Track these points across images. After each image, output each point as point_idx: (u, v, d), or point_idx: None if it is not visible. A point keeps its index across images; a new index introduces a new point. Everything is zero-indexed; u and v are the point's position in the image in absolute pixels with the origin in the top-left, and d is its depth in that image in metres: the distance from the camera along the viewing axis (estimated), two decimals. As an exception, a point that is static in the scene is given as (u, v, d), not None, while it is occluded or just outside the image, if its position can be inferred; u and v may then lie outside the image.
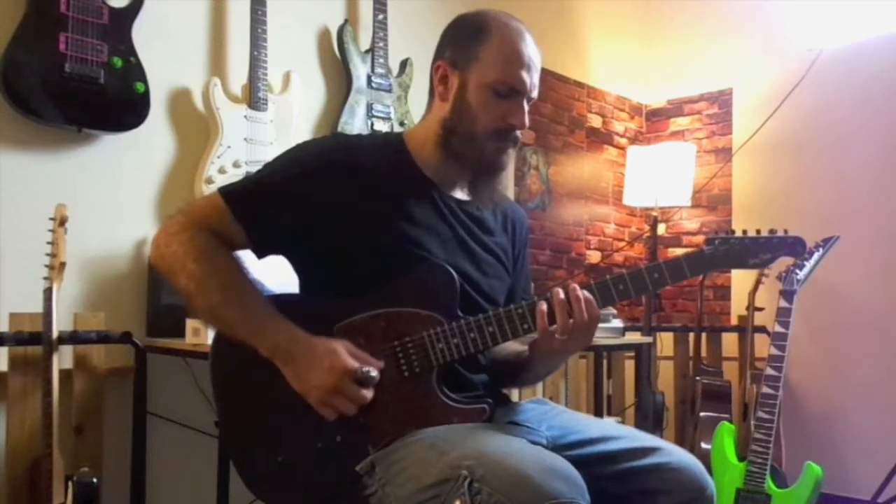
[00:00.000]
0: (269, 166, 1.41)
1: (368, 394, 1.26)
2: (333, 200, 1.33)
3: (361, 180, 1.35)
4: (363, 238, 1.33)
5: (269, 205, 1.34)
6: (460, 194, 1.45)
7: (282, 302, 1.33)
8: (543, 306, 1.27)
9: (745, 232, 1.32)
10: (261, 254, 1.38)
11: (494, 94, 1.35)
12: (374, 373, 1.26)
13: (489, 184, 1.42)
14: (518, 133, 1.38)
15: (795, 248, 1.31)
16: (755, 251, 1.30)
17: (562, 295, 1.26)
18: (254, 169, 2.36)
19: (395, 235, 1.34)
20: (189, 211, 1.37)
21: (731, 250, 1.30)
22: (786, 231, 1.32)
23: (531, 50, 1.37)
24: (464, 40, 1.39)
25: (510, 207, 1.57)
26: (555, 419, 1.43)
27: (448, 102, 1.39)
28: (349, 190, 1.34)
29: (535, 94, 1.39)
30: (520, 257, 1.55)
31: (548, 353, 1.35)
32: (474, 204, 1.46)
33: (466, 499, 1.09)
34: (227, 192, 1.36)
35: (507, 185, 1.46)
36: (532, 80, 1.37)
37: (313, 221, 1.34)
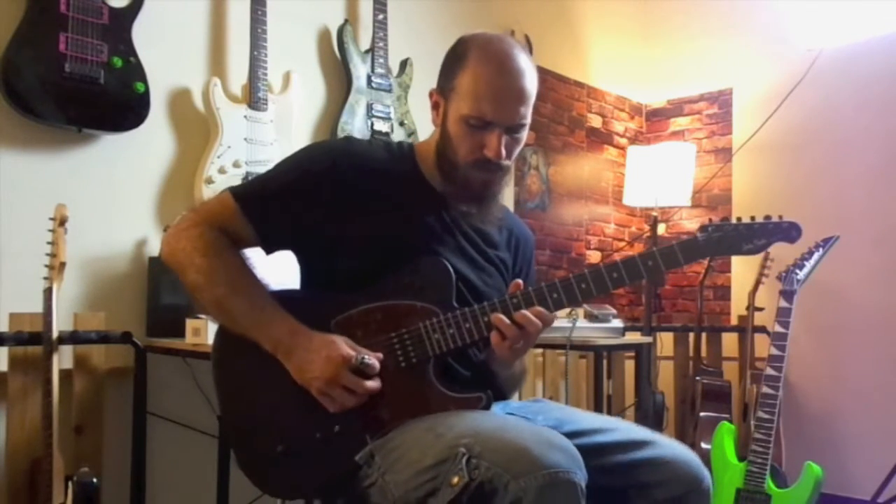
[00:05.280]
0: (279, 167, 1.44)
1: (369, 384, 1.27)
2: (341, 202, 1.36)
3: (369, 184, 1.38)
4: (367, 240, 1.36)
5: (278, 204, 1.37)
6: (465, 207, 1.46)
7: (282, 297, 1.35)
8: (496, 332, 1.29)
9: (739, 219, 1.31)
10: (269, 250, 1.41)
11: (469, 126, 1.34)
12: (372, 360, 1.28)
13: (481, 208, 1.43)
14: (503, 163, 1.36)
15: (790, 233, 1.29)
16: (749, 237, 1.29)
17: (506, 321, 1.28)
18: (254, 169, 2.37)
19: (399, 238, 1.37)
20: (200, 209, 1.42)
21: (724, 236, 1.29)
22: (780, 217, 1.30)
23: (508, 80, 1.33)
24: (447, 69, 1.39)
25: (517, 226, 1.58)
26: (550, 412, 1.45)
27: (438, 129, 1.42)
28: (357, 193, 1.37)
29: (520, 120, 1.35)
30: (521, 276, 1.54)
31: (501, 359, 1.37)
32: (479, 217, 1.47)
33: (464, 474, 1.10)
34: (237, 191, 1.40)
35: (507, 185, 1.47)
36: (507, 111, 1.33)
37: (319, 222, 1.37)
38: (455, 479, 1.11)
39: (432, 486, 1.15)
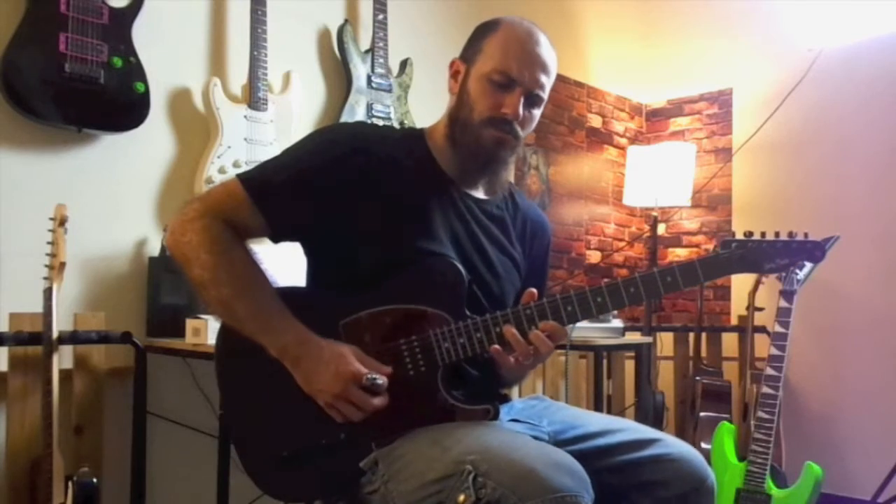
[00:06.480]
0: (292, 153, 1.39)
1: (376, 401, 1.25)
2: (353, 191, 1.33)
3: (382, 173, 1.35)
4: (377, 230, 1.33)
5: (291, 194, 1.33)
6: (479, 193, 1.45)
7: (289, 295, 1.32)
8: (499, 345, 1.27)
9: (763, 234, 1.28)
10: (277, 241, 1.38)
11: (491, 84, 1.34)
12: (382, 380, 1.25)
13: (489, 175, 1.42)
14: (517, 127, 1.36)
15: (814, 253, 1.27)
16: (772, 255, 1.26)
17: (518, 336, 1.26)
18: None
19: (409, 230, 1.34)
20: (206, 198, 1.36)
21: (747, 254, 1.26)
22: (806, 235, 1.28)
23: (535, 46, 1.36)
24: (475, 37, 1.41)
25: (532, 214, 1.55)
26: (555, 415, 1.44)
27: (454, 96, 1.41)
28: (369, 182, 1.33)
29: (538, 91, 1.37)
30: (532, 267, 1.53)
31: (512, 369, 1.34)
32: (493, 203, 1.46)
33: (471, 493, 1.09)
34: (247, 178, 1.34)
35: (513, 161, 1.46)
36: (532, 74, 1.35)
37: (332, 211, 1.33)
38: (461, 498, 1.10)
39: (436, 500, 1.14)
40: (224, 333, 1.39)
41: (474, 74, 1.37)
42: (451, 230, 1.38)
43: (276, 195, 1.33)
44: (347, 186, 1.33)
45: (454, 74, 1.42)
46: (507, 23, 1.38)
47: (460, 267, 1.31)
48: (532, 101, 1.37)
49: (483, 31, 1.40)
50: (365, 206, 1.33)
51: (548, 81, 1.39)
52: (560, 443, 1.34)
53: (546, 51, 1.38)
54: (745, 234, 1.28)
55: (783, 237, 1.28)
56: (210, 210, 1.32)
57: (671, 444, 1.35)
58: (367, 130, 1.43)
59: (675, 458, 1.32)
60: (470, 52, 1.40)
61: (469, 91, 1.37)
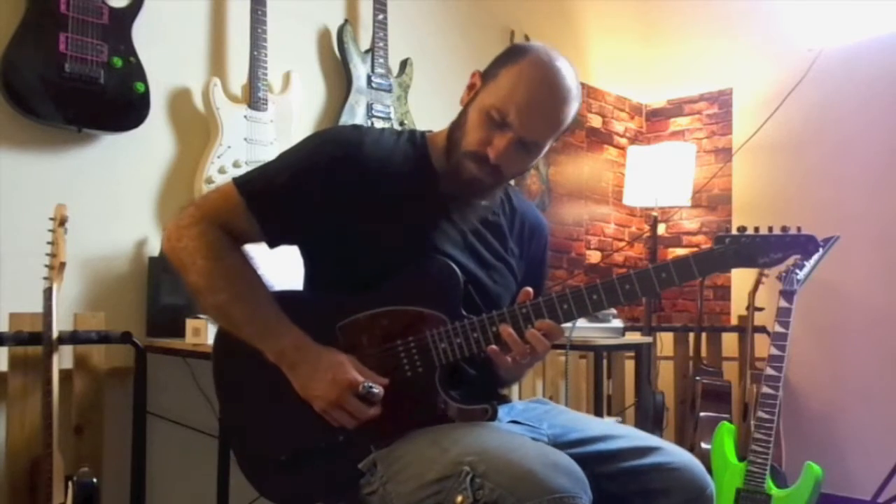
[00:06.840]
0: (287, 157, 1.38)
1: (370, 411, 1.25)
2: (349, 195, 1.32)
3: (378, 176, 1.34)
4: (374, 234, 1.33)
5: (285, 200, 1.32)
6: (454, 193, 1.43)
7: (286, 298, 1.32)
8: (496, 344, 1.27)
9: (756, 230, 1.28)
10: (273, 245, 1.38)
11: (488, 118, 1.30)
12: (378, 389, 1.25)
13: (465, 201, 1.39)
14: (499, 168, 1.32)
15: (807, 247, 1.26)
16: (766, 250, 1.26)
17: (514, 335, 1.25)
18: (254, 169, 2.37)
19: (405, 234, 1.34)
20: (202, 203, 1.36)
21: (741, 249, 1.25)
22: (799, 229, 1.28)
23: (547, 96, 1.30)
24: (500, 58, 1.36)
25: (529, 214, 1.54)
26: (556, 418, 1.43)
27: (462, 108, 1.38)
28: (365, 185, 1.33)
29: (537, 138, 1.32)
30: (530, 268, 1.52)
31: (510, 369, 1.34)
32: (489, 208, 1.44)
33: (469, 494, 1.10)
34: (243, 183, 1.34)
35: (494, 196, 1.43)
36: (530, 124, 1.29)
37: (328, 217, 1.33)
38: (459, 499, 1.10)
39: (435, 501, 1.14)
40: (221, 337, 1.39)
41: (479, 100, 1.33)
42: (447, 237, 1.37)
43: (272, 203, 1.33)
44: (343, 190, 1.32)
45: (470, 87, 1.38)
46: (532, 58, 1.31)
47: (456, 268, 1.31)
48: (526, 146, 1.32)
49: (507, 57, 1.34)
50: (361, 209, 1.33)
51: (550, 132, 1.33)
52: (560, 446, 1.33)
53: (560, 102, 1.31)
54: (738, 230, 1.28)
55: (777, 231, 1.28)
56: (206, 215, 1.32)
57: (672, 452, 1.34)
58: (364, 134, 1.41)
59: (676, 466, 1.31)
60: (490, 72, 1.35)
61: (468, 116, 1.34)
